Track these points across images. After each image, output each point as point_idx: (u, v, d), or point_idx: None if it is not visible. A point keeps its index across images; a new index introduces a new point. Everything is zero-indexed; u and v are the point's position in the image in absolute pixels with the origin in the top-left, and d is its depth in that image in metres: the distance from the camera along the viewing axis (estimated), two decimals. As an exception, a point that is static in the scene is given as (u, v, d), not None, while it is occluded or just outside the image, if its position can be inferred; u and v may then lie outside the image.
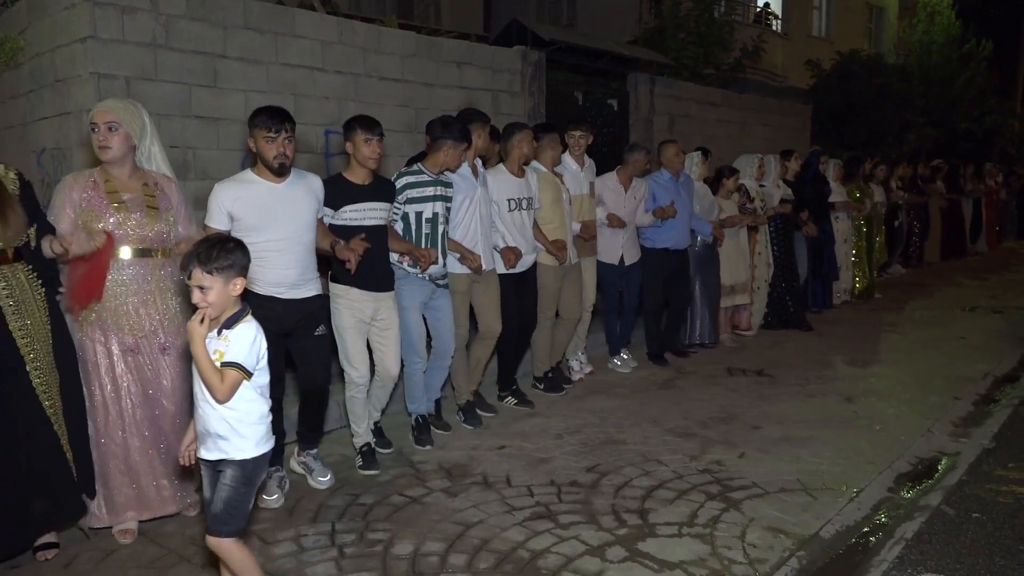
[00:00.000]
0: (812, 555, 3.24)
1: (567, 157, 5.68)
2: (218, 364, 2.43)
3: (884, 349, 6.93)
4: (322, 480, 3.92)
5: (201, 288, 2.42)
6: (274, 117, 3.49)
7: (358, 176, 4.05)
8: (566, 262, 5.36)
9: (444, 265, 4.51)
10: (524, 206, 5.07)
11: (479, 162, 4.88)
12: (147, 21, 5.06)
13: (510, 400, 5.30)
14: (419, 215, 4.39)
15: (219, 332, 2.48)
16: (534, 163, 5.35)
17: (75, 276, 3.27)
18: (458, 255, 4.63)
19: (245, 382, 2.49)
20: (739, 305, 7.29)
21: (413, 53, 6.67)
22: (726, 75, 12.68)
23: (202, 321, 2.41)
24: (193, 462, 2.64)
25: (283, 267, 3.58)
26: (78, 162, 5.05)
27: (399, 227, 4.40)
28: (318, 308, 3.80)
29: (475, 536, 3.37)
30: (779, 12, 18.79)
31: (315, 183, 3.78)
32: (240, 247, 2.51)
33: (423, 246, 4.38)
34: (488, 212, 4.84)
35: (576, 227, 5.57)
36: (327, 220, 3.97)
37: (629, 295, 6.19)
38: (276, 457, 3.73)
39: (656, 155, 6.74)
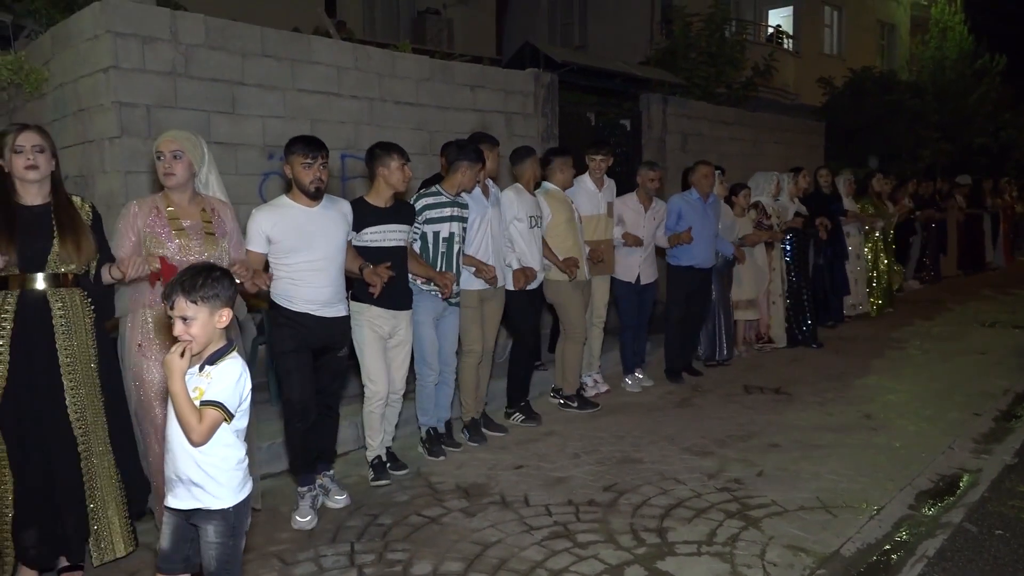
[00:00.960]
0: (833, 573, 3.21)
1: (586, 178, 5.81)
2: (197, 403, 2.27)
3: (902, 365, 6.88)
4: (338, 499, 3.96)
5: (184, 319, 2.27)
6: (311, 145, 3.74)
7: (380, 199, 4.20)
8: (576, 277, 5.44)
9: (457, 283, 4.64)
10: (537, 224, 5.25)
11: (490, 182, 5.03)
12: (167, 51, 5.18)
13: (517, 416, 5.33)
14: (436, 235, 4.54)
15: (201, 368, 2.33)
16: (545, 184, 5.50)
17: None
18: (473, 268, 4.76)
19: (224, 424, 2.32)
20: (749, 321, 7.34)
21: (427, 77, 6.76)
22: (738, 94, 12.73)
23: (182, 354, 2.24)
24: None
25: (319, 285, 3.77)
26: (100, 189, 5.15)
27: (417, 246, 4.53)
28: (347, 329, 3.99)
29: (494, 556, 3.37)
30: (791, 31, 18.86)
31: (345, 207, 3.97)
32: (227, 276, 2.38)
33: (439, 264, 4.53)
34: (500, 230, 4.99)
35: (586, 249, 5.64)
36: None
37: (640, 315, 6.23)
38: (308, 476, 3.88)
39: (672, 174, 6.84)
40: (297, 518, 3.72)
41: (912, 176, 11.72)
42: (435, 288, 4.50)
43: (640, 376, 6.28)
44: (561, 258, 5.38)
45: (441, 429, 4.83)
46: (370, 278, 3.93)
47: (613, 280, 6.05)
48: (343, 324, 3.94)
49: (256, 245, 3.73)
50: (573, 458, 4.62)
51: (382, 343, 4.23)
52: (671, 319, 6.40)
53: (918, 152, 15.95)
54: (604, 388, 6.07)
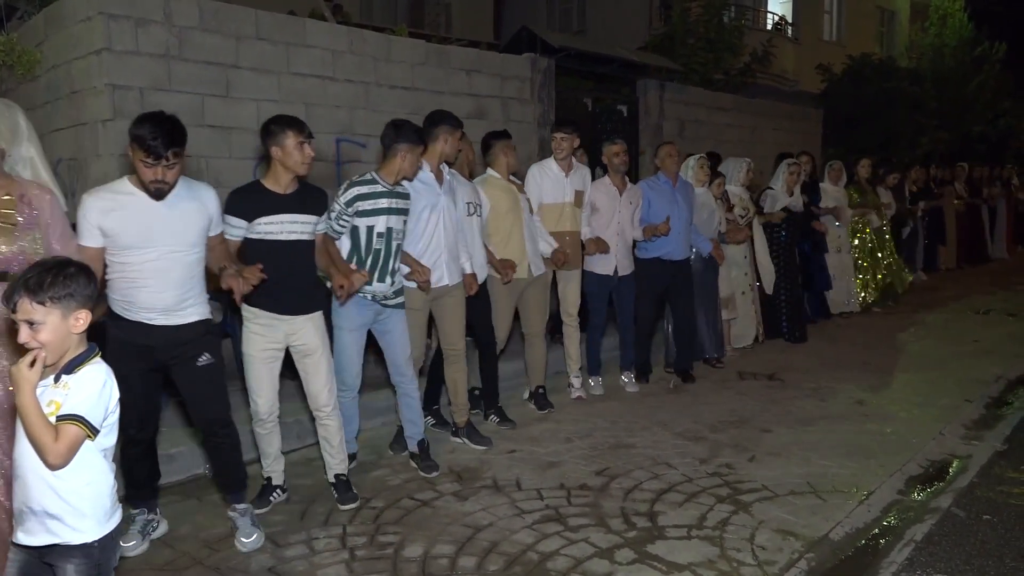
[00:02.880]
0: (821, 557, 3.24)
1: (550, 162, 5.31)
2: (53, 419, 1.94)
3: (895, 352, 6.90)
4: (245, 542, 3.33)
5: (31, 323, 1.95)
6: (158, 140, 2.97)
7: (279, 184, 3.53)
8: (509, 280, 4.83)
9: (393, 284, 4.03)
10: (476, 212, 4.68)
11: (445, 167, 4.45)
12: (161, 33, 5.15)
13: (493, 418, 4.95)
14: (371, 229, 3.93)
15: (56, 378, 2.01)
16: (489, 171, 4.99)
17: None
18: (406, 269, 4.14)
19: (88, 442, 2.00)
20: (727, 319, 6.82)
21: (423, 61, 6.74)
22: (736, 80, 12.69)
23: (32, 364, 1.92)
24: None
25: (158, 289, 3.12)
26: (94, 172, 5.14)
27: (346, 243, 3.95)
28: (204, 333, 3.30)
29: (485, 539, 3.39)
30: (790, 17, 18.78)
31: (207, 194, 3.30)
32: (84, 273, 2.05)
33: (373, 263, 3.95)
34: (453, 223, 4.39)
35: (547, 250, 5.13)
36: (235, 234, 3.50)
37: (623, 310, 5.71)
38: (147, 501, 3.42)
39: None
40: (121, 543, 3.08)
41: (910, 164, 11.23)
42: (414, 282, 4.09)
43: (626, 380, 5.78)
44: (498, 256, 4.81)
45: (412, 448, 4.28)
46: (228, 282, 3.19)
47: (587, 273, 5.53)
48: (196, 329, 3.24)
49: (89, 239, 3.05)
50: (566, 442, 4.64)
51: (274, 355, 3.63)
52: (639, 316, 5.82)
53: (916, 140, 15.92)
54: (578, 393, 5.53)
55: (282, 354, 3.68)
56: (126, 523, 3.09)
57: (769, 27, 17.68)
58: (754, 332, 7.13)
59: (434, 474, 4.14)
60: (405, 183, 4.11)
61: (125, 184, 3.13)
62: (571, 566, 3.15)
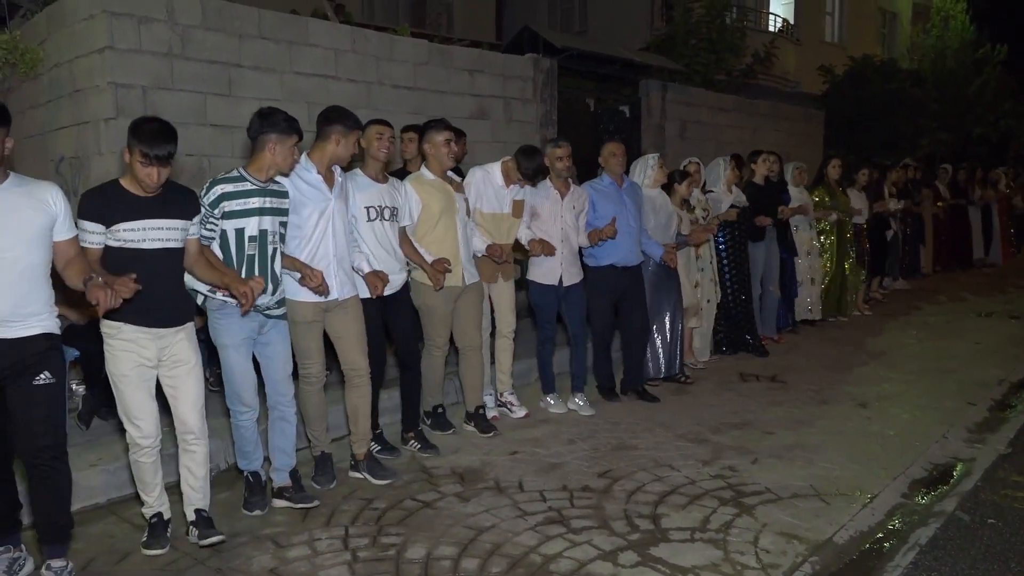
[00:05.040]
0: (825, 561, 3.23)
1: (495, 169, 4.92)
2: None
3: (898, 354, 6.89)
4: None
5: None
6: None
7: (139, 185, 3.12)
8: (441, 286, 4.44)
9: (274, 292, 3.61)
10: (384, 216, 4.25)
11: (338, 169, 4.00)
12: (163, 31, 5.14)
13: (414, 444, 4.52)
14: (240, 232, 3.49)
15: None
16: (423, 170, 4.60)
17: None
18: (297, 274, 3.73)
19: None
20: (692, 328, 6.39)
21: (425, 61, 6.73)
22: (738, 81, 12.69)
23: None
24: None
25: None
26: (96, 170, 5.13)
27: (216, 251, 3.52)
28: (41, 351, 2.91)
29: (487, 541, 3.38)
30: (792, 18, 18.78)
31: (47, 192, 2.94)
32: None
33: (247, 271, 3.52)
34: (344, 229, 3.97)
35: (481, 246, 4.78)
36: (93, 240, 3.09)
37: (572, 322, 5.27)
38: (9, 536, 3.11)
39: (671, 162, 6.38)
40: None
41: (891, 166, 10.19)
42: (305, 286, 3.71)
43: (581, 403, 5.26)
44: (430, 260, 4.41)
45: (284, 481, 3.80)
46: (93, 294, 2.78)
47: (530, 283, 5.19)
48: (32, 345, 2.88)
49: None
50: (568, 444, 4.62)
51: (146, 372, 3.21)
52: (596, 330, 5.44)
53: (918, 141, 15.92)
54: (522, 412, 5.15)
55: (155, 371, 3.26)
56: None
57: (773, 29, 17.68)
58: (710, 346, 6.72)
59: (314, 504, 3.75)
60: (290, 183, 3.73)
61: None
62: (574, 569, 3.14)
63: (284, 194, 3.67)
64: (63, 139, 5.49)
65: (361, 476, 4.10)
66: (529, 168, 4.80)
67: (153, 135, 3.06)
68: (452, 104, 6.91)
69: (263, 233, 3.53)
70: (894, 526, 3.57)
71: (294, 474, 3.83)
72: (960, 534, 3.43)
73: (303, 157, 3.83)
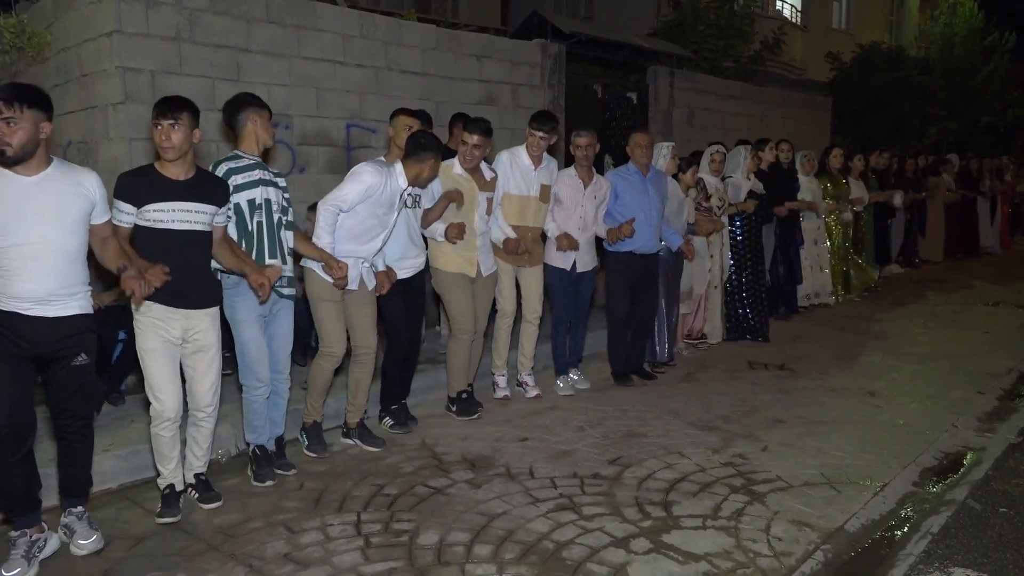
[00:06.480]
0: (838, 548, 3.23)
1: (521, 151, 4.98)
2: None
3: (906, 343, 6.88)
4: (83, 544, 3.16)
5: None
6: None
7: (173, 169, 3.32)
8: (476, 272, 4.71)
9: (284, 262, 3.79)
10: (409, 204, 4.46)
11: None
12: (171, 15, 5.11)
13: (387, 421, 4.63)
14: (251, 203, 3.69)
15: None
16: (454, 161, 4.70)
17: None
18: (321, 263, 3.95)
19: None
20: (684, 314, 6.44)
21: (433, 47, 6.69)
22: (746, 68, 12.62)
23: None
24: None
25: (29, 278, 2.92)
26: (104, 156, 5.11)
27: (231, 226, 3.68)
28: (82, 331, 3.10)
29: (499, 527, 3.38)
30: (799, 4, 18.66)
31: (87, 178, 3.09)
32: None
33: (257, 239, 3.71)
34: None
35: (499, 236, 4.91)
36: (124, 220, 3.28)
37: (577, 307, 5.42)
38: (29, 516, 3.11)
39: (679, 150, 6.26)
40: (3, 572, 2.91)
41: (881, 150, 10.14)
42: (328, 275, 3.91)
43: (575, 377, 5.48)
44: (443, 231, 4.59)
45: (271, 447, 3.99)
46: (129, 286, 3.01)
47: (546, 267, 5.25)
48: (73, 325, 3.05)
49: None
50: (578, 431, 4.62)
51: (173, 349, 3.39)
52: (614, 315, 5.56)
53: (925, 129, 15.84)
54: (534, 392, 5.25)
55: (179, 348, 3.43)
56: (5, 549, 3.03)
57: (787, 14, 17.53)
58: (721, 328, 6.82)
59: (292, 472, 3.93)
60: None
61: None
62: (587, 555, 3.14)
63: (278, 173, 3.91)
64: (71, 124, 5.47)
65: (352, 443, 4.37)
66: (544, 126, 4.92)
67: (163, 101, 3.32)
68: (460, 90, 6.87)
69: (267, 202, 3.73)
70: (905, 514, 3.57)
71: (279, 441, 4.04)
72: (972, 522, 3.43)
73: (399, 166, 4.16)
